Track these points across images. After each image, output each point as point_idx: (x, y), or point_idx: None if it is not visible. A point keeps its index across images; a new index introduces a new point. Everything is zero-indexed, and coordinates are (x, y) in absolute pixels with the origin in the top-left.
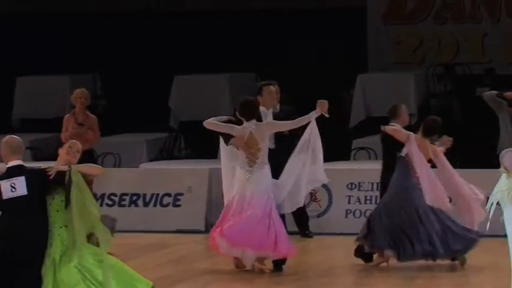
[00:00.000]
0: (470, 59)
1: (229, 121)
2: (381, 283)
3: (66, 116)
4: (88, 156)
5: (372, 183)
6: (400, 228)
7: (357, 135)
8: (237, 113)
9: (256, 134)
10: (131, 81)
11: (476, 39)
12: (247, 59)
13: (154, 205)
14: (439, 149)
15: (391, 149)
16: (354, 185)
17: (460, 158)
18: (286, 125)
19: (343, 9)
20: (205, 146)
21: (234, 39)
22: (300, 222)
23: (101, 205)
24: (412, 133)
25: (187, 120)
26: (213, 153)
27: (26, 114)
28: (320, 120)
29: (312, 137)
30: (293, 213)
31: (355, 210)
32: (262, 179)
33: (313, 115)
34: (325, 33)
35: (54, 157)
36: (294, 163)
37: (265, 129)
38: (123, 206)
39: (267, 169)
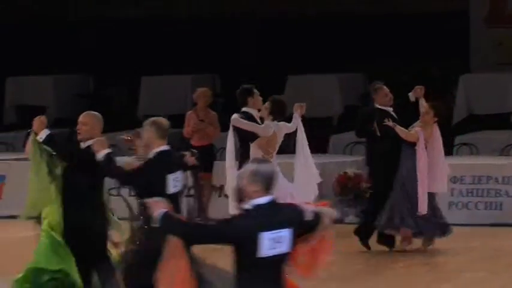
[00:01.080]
0: None
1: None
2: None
3: (189, 112)
4: (208, 150)
5: (474, 177)
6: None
7: (459, 132)
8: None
9: (277, 133)
10: (248, 81)
11: None
12: (356, 60)
13: None
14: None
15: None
16: (456, 179)
17: None
18: (291, 128)
19: (447, 12)
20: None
21: (342, 41)
22: None
23: None
24: (419, 130)
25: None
26: None
27: (151, 111)
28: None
29: (302, 138)
30: None
31: (458, 202)
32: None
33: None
34: (430, 36)
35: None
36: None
37: (283, 129)
38: None
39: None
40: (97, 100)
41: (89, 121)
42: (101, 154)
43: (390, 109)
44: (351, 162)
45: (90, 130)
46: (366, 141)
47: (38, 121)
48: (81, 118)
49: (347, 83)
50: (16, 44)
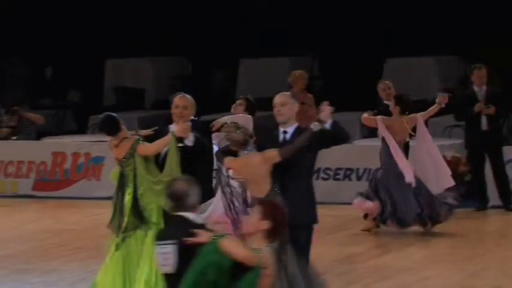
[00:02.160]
0: None
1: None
2: None
3: None
4: None
5: None
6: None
7: None
8: None
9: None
10: (346, 62)
11: None
12: (453, 42)
13: (367, 179)
14: (421, 114)
15: None
16: None
17: None
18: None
19: None
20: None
21: (440, 23)
22: (503, 195)
23: (317, 178)
24: (379, 117)
25: None
26: None
27: (248, 94)
28: None
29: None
30: (497, 186)
31: None
32: None
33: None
34: None
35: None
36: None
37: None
38: (338, 179)
39: None
40: (195, 82)
41: (189, 105)
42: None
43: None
44: (450, 145)
45: (189, 114)
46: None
47: (184, 126)
48: (179, 101)
49: (445, 66)
50: (116, 26)
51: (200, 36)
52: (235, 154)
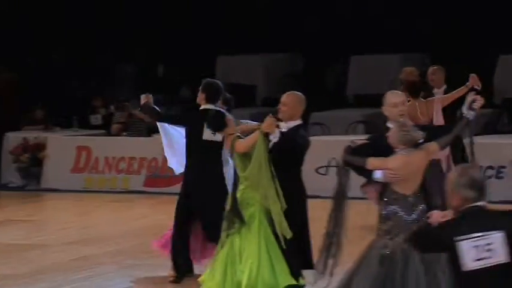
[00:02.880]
0: None
1: None
2: None
3: None
4: None
5: None
6: None
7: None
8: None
9: None
10: (459, 60)
11: None
12: None
13: None
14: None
15: None
16: None
17: None
18: None
19: None
20: None
21: None
22: None
23: None
24: None
25: (510, 97)
26: None
27: (359, 91)
28: None
29: None
30: None
31: None
32: None
33: None
34: None
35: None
36: None
37: None
38: None
39: None
40: (306, 79)
41: (289, 102)
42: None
43: None
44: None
45: (289, 110)
46: None
47: (269, 121)
48: (283, 98)
49: None
50: (227, 23)
51: (313, 33)
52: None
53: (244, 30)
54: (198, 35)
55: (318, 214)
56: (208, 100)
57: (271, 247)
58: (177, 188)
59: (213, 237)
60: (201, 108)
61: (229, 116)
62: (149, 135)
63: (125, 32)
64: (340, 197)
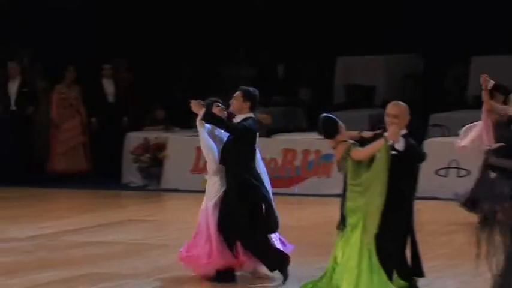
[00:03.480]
0: None
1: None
2: None
3: None
4: None
5: None
6: None
7: None
8: None
9: None
10: None
11: None
12: None
13: None
14: None
15: None
16: None
17: None
18: None
19: None
20: None
21: None
22: None
23: None
24: None
25: None
26: None
27: (480, 92)
28: None
29: None
30: None
31: None
32: None
33: None
34: None
35: None
36: None
37: None
38: None
39: None
40: (426, 80)
41: (400, 113)
42: None
43: None
44: None
45: (402, 121)
46: None
47: (395, 129)
48: (392, 110)
49: None
50: (346, 24)
51: (434, 33)
52: None
53: (363, 31)
54: (318, 36)
55: (435, 216)
56: (252, 109)
57: (371, 256)
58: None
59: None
60: (246, 116)
61: (340, 123)
62: (268, 136)
63: (246, 34)
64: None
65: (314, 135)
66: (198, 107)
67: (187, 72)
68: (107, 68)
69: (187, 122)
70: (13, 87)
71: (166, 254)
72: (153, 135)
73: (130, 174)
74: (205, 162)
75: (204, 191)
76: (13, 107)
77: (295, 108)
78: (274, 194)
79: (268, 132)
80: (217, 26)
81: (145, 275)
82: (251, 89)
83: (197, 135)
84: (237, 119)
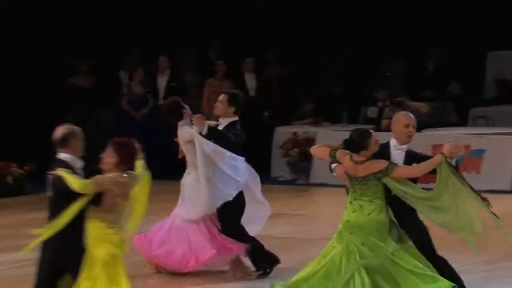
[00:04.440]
0: None
1: None
2: None
3: None
4: None
5: None
6: None
7: None
8: None
9: None
10: None
11: None
12: None
13: None
14: None
15: None
16: None
17: None
18: None
19: None
20: None
21: None
22: None
23: None
24: None
25: None
26: None
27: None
28: None
29: None
30: None
31: None
32: None
33: None
34: None
35: None
36: None
37: None
38: None
39: None
40: None
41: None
42: None
43: None
44: None
45: None
46: None
47: (456, 147)
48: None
49: None
50: (499, 18)
51: None
52: None
53: None
54: (469, 30)
55: None
56: (236, 113)
57: None
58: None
59: None
60: (231, 120)
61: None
62: (418, 131)
63: (393, 29)
64: None
65: (464, 130)
66: (201, 123)
67: (341, 66)
68: (249, 61)
69: (336, 116)
70: (162, 81)
71: (313, 248)
72: (301, 129)
73: (279, 168)
74: None
75: None
76: (161, 102)
77: (445, 103)
78: (426, 188)
79: (418, 127)
80: (381, 22)
81: (293, 269)
82: (236, 92)
83: (346, 130)
84: (224, 122)
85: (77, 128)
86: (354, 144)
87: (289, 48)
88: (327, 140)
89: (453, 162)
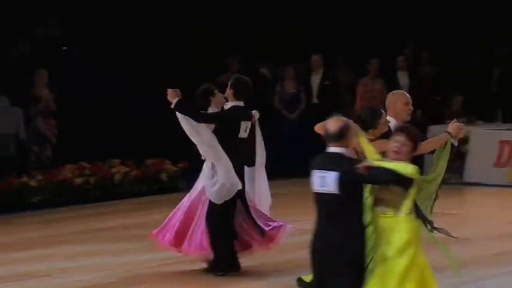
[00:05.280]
0: None
1: None
2: None
3: None
4: None
5: None
6: None
7: None
8: None
9: None
10: None
11: None
12: None
13: None
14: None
15: None
16: None
17: None
18: None
19: None
20: None
21: None
22: None
23: None
24: None
25: None
26: None
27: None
28: None
29: None
30: None
31: None
32: None
33: None
34: None
35: None
36: None
37: None
38: None
39: None
40: None
41: None
42: None
43: None
44: None
45: None
46: None
47: (459, 125)
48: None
49: None
50: None
51: None
52: None
53: None
54: None
55: None
56: (237, 96)
57: None
58: None
59: None
60: (233, 104)
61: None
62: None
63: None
64: None
65: None
66: (172, 96)
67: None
68: (401, 60)
69: (491, 115)
70: (315, 80)
71: (466, 248)
72: None
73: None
74: (509, 156)
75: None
76: (315, 100)
77: None
78: None
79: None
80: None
81: (442, 269)
82: (241, 77)
83: (500, 129)
84: (226, 106)
85: (351, 121)
86: (364, 123)
87: (441, 47)
88: (480, 138)
89: (455, 142)
